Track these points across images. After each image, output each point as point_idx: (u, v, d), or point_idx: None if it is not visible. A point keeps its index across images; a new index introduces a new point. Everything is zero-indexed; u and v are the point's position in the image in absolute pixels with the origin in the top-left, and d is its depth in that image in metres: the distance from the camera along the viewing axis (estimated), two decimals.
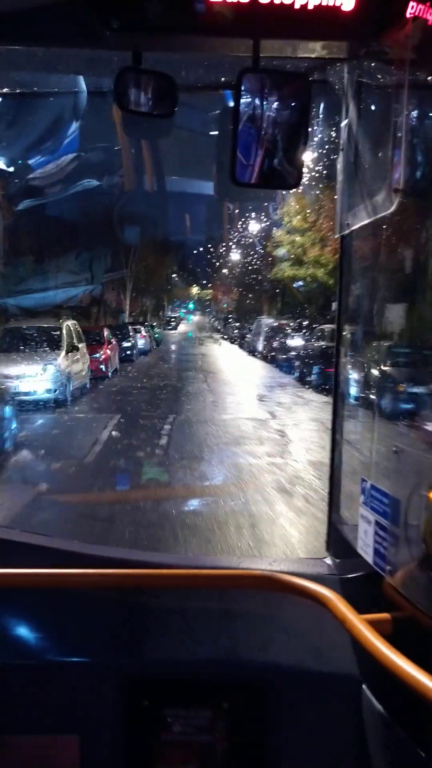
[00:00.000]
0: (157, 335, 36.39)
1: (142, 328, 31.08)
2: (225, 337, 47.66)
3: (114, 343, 21.55)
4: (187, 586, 1.82)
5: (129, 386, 18.20)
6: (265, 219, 38.28)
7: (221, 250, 53.17)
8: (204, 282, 71.24)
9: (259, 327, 31.49)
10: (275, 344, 26.06)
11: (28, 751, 1.55)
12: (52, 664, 1.61)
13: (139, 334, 28.60)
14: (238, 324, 47.66)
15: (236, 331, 44.35)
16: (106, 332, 21.09)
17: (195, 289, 77.07)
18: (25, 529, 2.26)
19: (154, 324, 41.70)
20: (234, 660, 1.62)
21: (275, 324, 29.40)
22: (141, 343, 28.55)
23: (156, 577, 1.84)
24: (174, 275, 58.60)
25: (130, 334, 26.24)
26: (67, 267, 27.67)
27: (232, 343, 42.01)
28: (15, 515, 6.14)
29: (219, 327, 57.61)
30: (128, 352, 24.49)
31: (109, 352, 19.79)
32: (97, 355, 18.60)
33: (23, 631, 1.73)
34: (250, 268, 46.14)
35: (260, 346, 28.86)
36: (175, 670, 1.61)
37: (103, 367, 18.85)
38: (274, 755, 1.54)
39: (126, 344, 24.36)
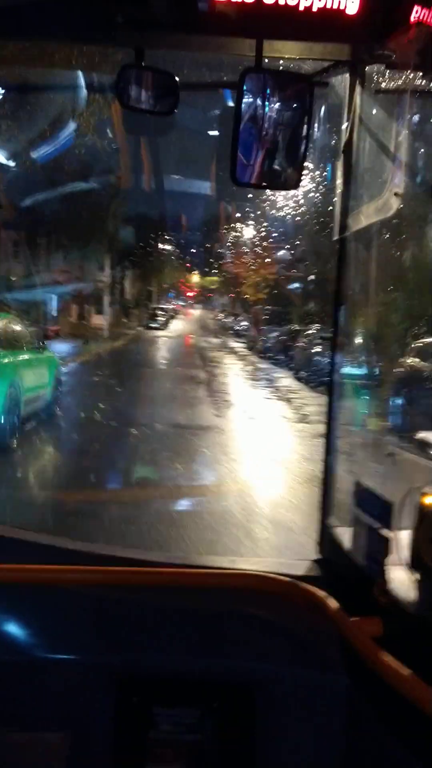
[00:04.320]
0: (48, 361, 11.05)
1: None
2: (250, 346, 27.62)
3: None
4: (178, 585, 1.82)
5: None
6: None
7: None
8: (206, 269, 53.76)
9: None
10: None
11: (16, 748, 1.55)
12: (42, 660, 1.61)
13: None
14: (293, 328, 23.50)
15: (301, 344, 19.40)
16: None
17: (196, 277, 60.91)
18: (17, 525, 2.25)
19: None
20: (224, 659, 1.62)
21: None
22: None
23: (148, 574, 1.84)
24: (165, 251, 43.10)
25: None
26: None
27: (285, 368, 20.18)
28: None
29: (238, 327, 35.85)
30: None
31: None
32: None
33: (12, 628, 1.73)
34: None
35: None
36: (165, 669, 1.60)
37: None
38: (263, 755, 1.54)
39: None
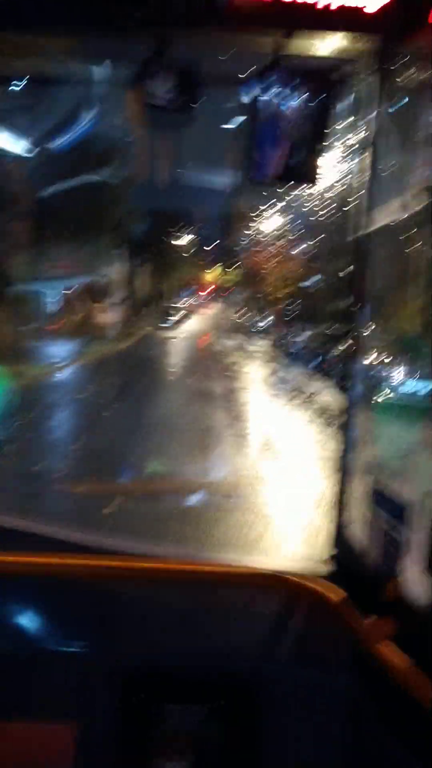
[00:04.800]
0: None
1: None
2: (279, 350, 23.19)
3: None
4: (188, 580, 1.82)
5: None
6: None
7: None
8: (223, 264, 48.61)
9: None
10: None
11: (24, 738, 1.56)
12: (49, 653, 1.62)
13: None
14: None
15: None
16: None
17: (212, 274, 54.50)
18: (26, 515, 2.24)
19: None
20: (231, 657, 1.62)
21: None
22: None
23: (158, 570, 1.84)
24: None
25: None
26: None
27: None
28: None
29: (259, 326, 32.14)
30: None
31: None
32: None
33: (20, 620, 1.74)
34: None
35: None
36: (173, 664, 1.61)
37: None
38: (269, 753, 1.54)
39: None
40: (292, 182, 1.71)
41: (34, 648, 1.62)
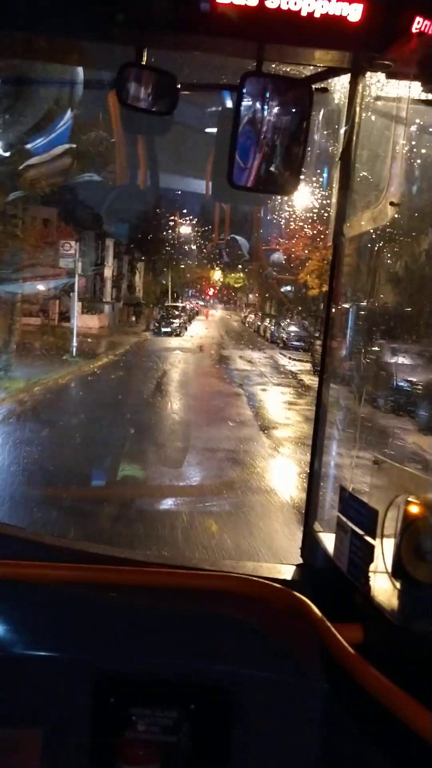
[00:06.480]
0: None
1: None
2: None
3: None
4: (160, 585, 1.82)
5: None
6: None
7: None
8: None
9: None
10: None
11: None
12: (17, 657, 1.60)
13: None
14: None
15: None
16: None
17: (216, 275, 48.24)
18: None
19: None
20: (202, 661, 1.61)
21: None
22: None
23: (127, 573, 1.83)
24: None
25: None
26: None
27: None
28: None
29: (285, 335, 26.43)
30: None
31: None
32: None
33: None
34: None
35: None
36: (143, 669, 1.60)
37: None
38: (239, 758, 1.54)
39: None
40: (273, 191, 1.72)
41: (2, 652, 1.60)
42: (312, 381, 12.51)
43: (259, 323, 34.13)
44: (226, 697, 1.54)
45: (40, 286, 20.02)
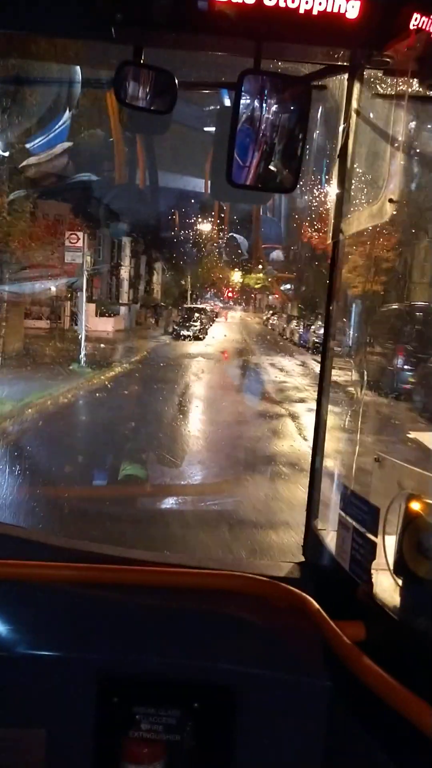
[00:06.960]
0: None
1: None
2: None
3: None
4: (163, 584, 1.82)
5: None
6: None
7: None
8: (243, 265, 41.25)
9: None
10: None
11: None
12: (22, 657, 1.60)
13: None
14: None
15: None
16: None
17: (235, 275, 46.41)
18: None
19: None
20: (205, 660, 1.61)
21: None
22: None
23: (130, 573, 1.83)
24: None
25: None
26: None
27: None
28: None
29: (309, 336, 24.43)
30: None
31: None
32: None
33: None
34: None
35: None
36: (147, 668, 1.60)
37: None
38: (242, 757, 1.55)
39: None
40: (272, 188, 1.72)
41: (7, 652, 1.60)
42: (370, 396, 9.20)
43: (284, 325, 32.24)
44: (229, 696, 1.54)
45: (46, 285, 18.64)
